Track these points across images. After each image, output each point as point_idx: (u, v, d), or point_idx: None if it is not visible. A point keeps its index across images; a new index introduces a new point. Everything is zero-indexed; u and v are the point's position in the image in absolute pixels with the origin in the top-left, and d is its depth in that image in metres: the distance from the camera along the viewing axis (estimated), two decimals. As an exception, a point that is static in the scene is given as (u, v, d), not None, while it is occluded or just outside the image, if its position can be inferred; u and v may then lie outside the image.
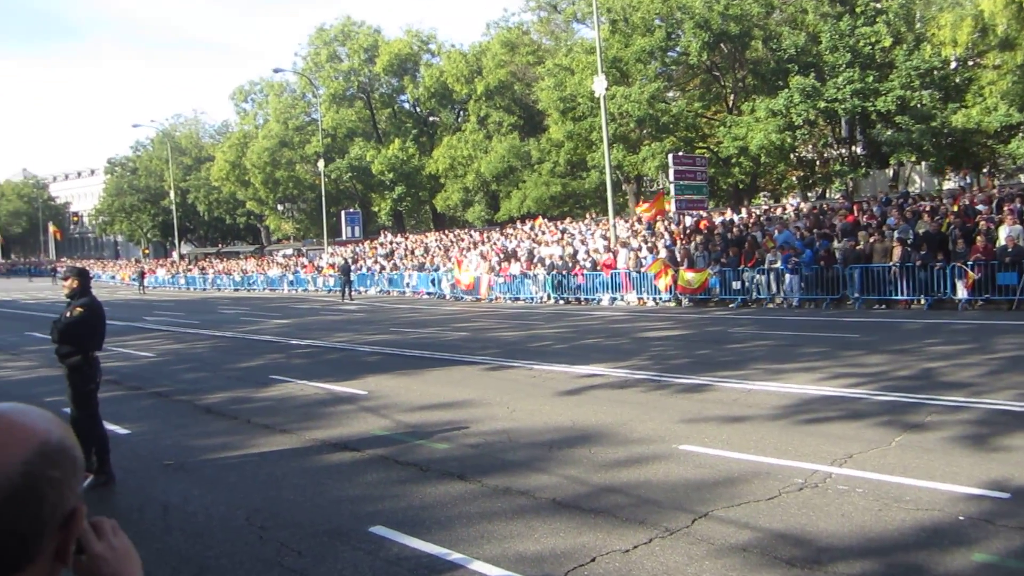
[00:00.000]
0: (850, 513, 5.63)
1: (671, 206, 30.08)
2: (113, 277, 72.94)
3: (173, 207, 70.76)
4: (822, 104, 30.92)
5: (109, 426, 8.23)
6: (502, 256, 32.57)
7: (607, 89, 29.94)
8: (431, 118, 59.63)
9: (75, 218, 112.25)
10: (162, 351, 18.30)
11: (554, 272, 28.43)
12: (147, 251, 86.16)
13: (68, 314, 7.85)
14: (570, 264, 28.32)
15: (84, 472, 1.15)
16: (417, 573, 5.03)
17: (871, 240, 20.99)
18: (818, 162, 37.13)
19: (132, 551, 1.36)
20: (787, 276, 21.87)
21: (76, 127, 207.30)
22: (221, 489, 7.08)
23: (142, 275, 55.59)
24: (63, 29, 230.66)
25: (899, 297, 20.02)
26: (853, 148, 35.14)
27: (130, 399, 11.90)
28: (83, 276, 8.29)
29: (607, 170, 30.60)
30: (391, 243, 48.55)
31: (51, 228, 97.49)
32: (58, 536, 1.08)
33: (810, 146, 36.51)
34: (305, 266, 49.07)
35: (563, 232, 34.82)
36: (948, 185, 34.52)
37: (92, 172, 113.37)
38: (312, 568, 5.20)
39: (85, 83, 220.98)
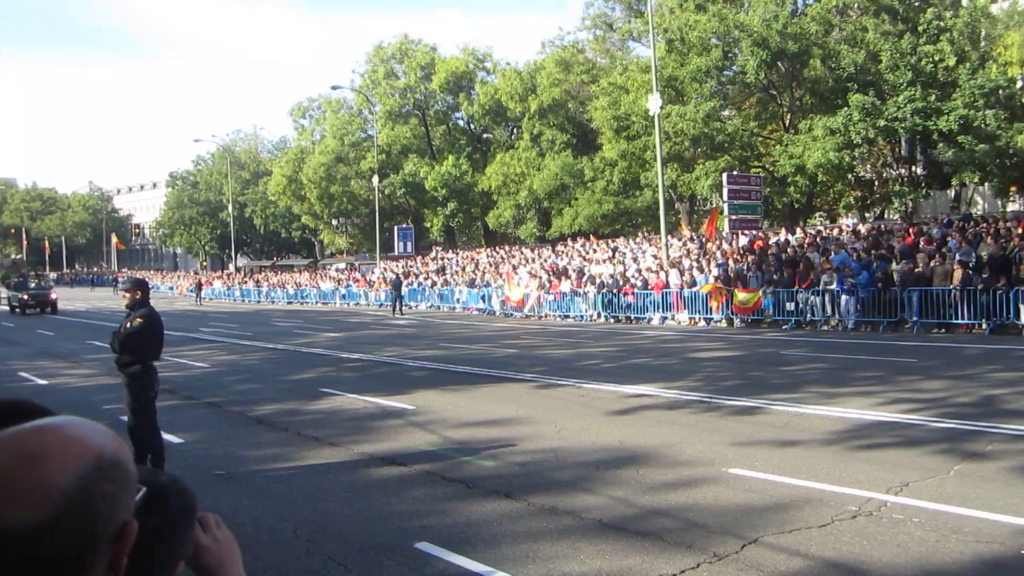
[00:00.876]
0: (906, 544, 5.47)
1: (725, 226, 29.77)
2: (172, 288, 74.63)
3: (231, 220, 72.22)
4: (882, 123, 30.37)
5: (164, 435, 8.39)
6: (552, 273, 32.54)
7: (662, 108, 29.82)
8: (485, 135, 60.01)
9: (137, 230, 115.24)
10: (216, 362, 18.64)
11: (604, 290, 28.30)
12: (205, 263, 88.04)
13: (128, 324, 8.05)
14: (620, 282, 28.17)
15: (138, 486, 1.15)
16: (461, 591, 5.02)
17: (931, 262, 20.49)
18: (877, 182, 36.41)
19: (234, 543, 1.46)
20: (843, 298, 21.45)
21: (140, 142, 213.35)
22: (270, 500, 7.16)
23: (199, 286, 56.81)
24: (130, 49, 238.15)
25: (960, 321, 19.49)
26: (913, 168, 34.41)
27: (184, 408, 12.14)
28: (143, 288, 8.50)
29: (660, 189, 30.41)
30: (442, 259, 48.85)
31: (113, 239, 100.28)
32: (111, 550, 1.08)
33: (868, 165, 35.84)
34: (357, 280, 49.61)
35: (614, 250, 34.66)
36: (1012, 207, 33.56)
37: (154, 185, 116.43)
38: (357, 582, 5.21)
39: (150, 100, 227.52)
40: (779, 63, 34.34)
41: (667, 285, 26.35)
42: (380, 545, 5.88)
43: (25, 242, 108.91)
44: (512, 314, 31.84)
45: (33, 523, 0.99)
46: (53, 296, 44.29)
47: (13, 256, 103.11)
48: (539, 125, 50.96)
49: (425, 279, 42.92)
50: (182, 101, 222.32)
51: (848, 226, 30.66)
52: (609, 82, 40.81)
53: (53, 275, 76.09)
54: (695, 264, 27.05)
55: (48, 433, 1.07)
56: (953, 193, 35.91)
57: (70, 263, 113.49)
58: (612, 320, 27.57)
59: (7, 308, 44.79)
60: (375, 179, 52.20)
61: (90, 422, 1.12)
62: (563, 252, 38.52)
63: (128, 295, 8.33)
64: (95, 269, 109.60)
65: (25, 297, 43.11)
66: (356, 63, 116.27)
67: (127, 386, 8.12)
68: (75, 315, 40.99)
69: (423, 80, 58.49)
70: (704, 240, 30.71)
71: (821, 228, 33.18)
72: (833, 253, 23.35)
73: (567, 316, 29.63)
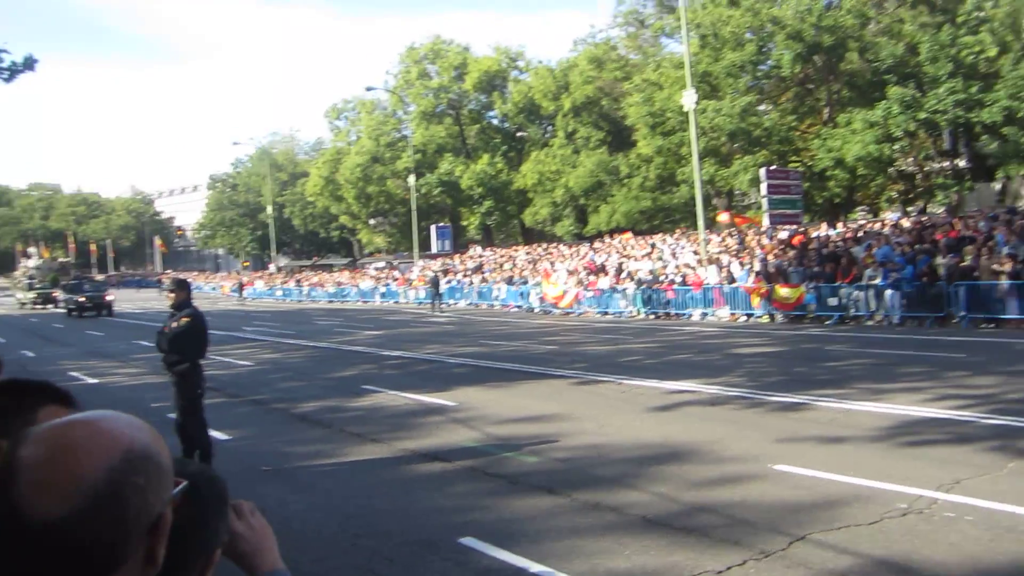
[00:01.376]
0: (958, 542, 5.37)
1: (764, 221, 29.45)
2: (214, 288, 75.70)
3: (270, 221, 73.07)
4: (922, 115, 29.81)
5: (211, 432, 8.52)
6: (590, 270, 32.44)
7: (697, 103, 29.58)
8: (519, 133, 60.00)
9: (179, 232, 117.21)
10: (260, 360, 18.87)
11: (643, 286, 28.14)
12: (246, 263, 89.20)
13: (174, 324, 8.18)
14: (660, 278, 27.99)
15: (176, 479, 1.15)
16: (507, 586, 5.03)
17: (980, 256, 20.06)
18: (919, 175, 35.77)
19: (268, 530, 1.49)
20: (887, 293, 21.09)
21: (180, 146, 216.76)
22: (316, 496, 7.24)
23: (242, 287, 57.48)
24: (170, 56, 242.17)
25: (1009, 316, 19.05)
26: (956, 161, 33.74)
27: (230, 406, 12.31)
28: (187, 288, 8.65)
29: (697, 185, 30.16)
30: (480, 256, 48.95)
31: (157, 242, 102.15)
32: (146, 541, 1.09)
33: (910, 159, 35.21)
34: (396, 279, 49.91)
35: (652, 246, 34.46)
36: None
37: (195, 188, 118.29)
38: (403, 577, 5.25)
39: (189, 104, 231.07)
40: (815, 56, 33.88)
41: (706, 281, 26.13)
42: (424, 540, 5.91)
43: (72, 245, 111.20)
44: (551, 311, 31.81)
45: (64, 515, 1.01)
46: (109, 298, 44.30)
47: (61, 259, 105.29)
48: (573, 122, 50.83)
49: (463, 277, 43.05)
50: (220, 105, 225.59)
51: (891, 220, 30.15)
52: (642, 79, 40.57)
53: (100, 277, 77.78)
54: (734, 259, 26.78)
55: (79, 427, 1.09)
56: (999, 186, 35.14)
57: (115, 265, 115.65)
58: (652, 316, 27.41)
59: (63, 311, 45.25)
60: (411, 178, 52.45)
61: (124, 416, 1.13)
62: (601, 249, 38.39)
63: (172, 295, 8.48)
64: (140, 271, 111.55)
65: (81, 300, 43.01)
66: (389, 64, 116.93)
67: (175, 384, 8.27)
68: (123, 316, 41.75)
69: (456, 80, 58.64)
70: (741, 233, 30.38)
71: (863, 222, 32.67)
72: (876, 247, 22.97)
73: (606, 313, 29.52)
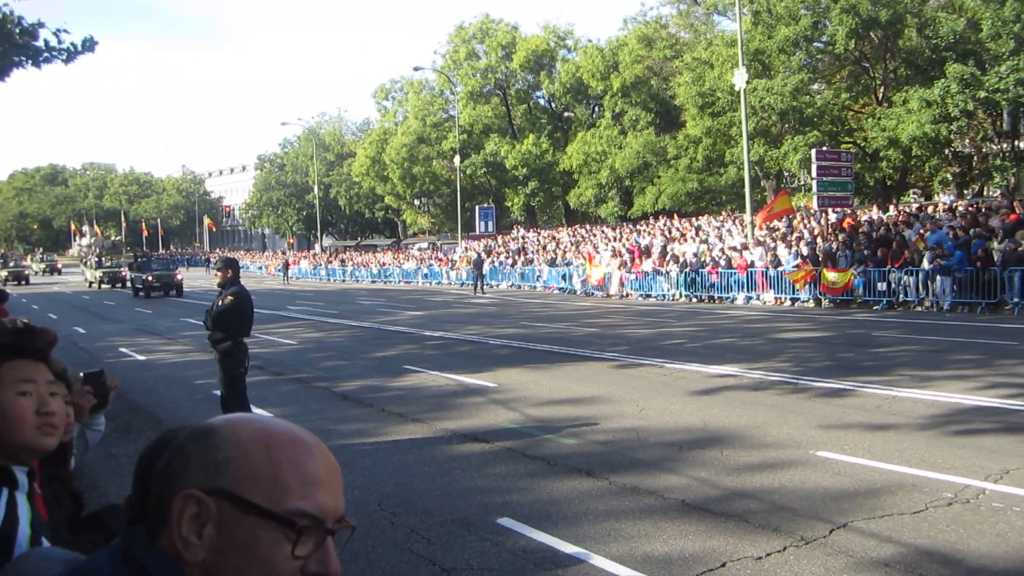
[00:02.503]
0: (1006, 533, 5.24)
1: (814, 203, 28.89)
2: (260, 268, 76.78)
3: (316, 201, 73.78)
4: (982, 94, 28.92)
5: (254, 409, 8.65)
6: (634, 252, 32.22)
7: (748, 82, 29.05)
8: (566, 114, 59.64)
9: (227, 210, 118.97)
10: (303, 339, 19.11)
11: (687, 269, 27.88)
12: (292, 243, 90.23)
13: (220, 302, 8.29)
14: (704, 262, 27.70)
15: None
16: (542, 566, 5.04)
17: (1035, 241, 19.48)
18: (976, 157, 34.76)
19: None
20: (938, 278, 20.61)
21: (230, 126, 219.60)
22: (355, 474, 7.31)
23: (287, 266, 58.21)
24: (219, 36, 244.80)
25: (1066, 303, 18.50)
26: (1016, 142, 32.70)
27: (273, 384, 12.49)
28: (234, 267, 8.74)
29: (746, 166, 29.71)
30: (523, 238, 48.90)
31: (206, 221, 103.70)
32: None
33: (967, 140, 34.22)
34: (439, 259, 50.12)
35: (698, 229, 34.10)
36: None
37: (243, 168, 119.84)
38: (440, 555, 5.29)
39: (239, 86, 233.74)
40: (871, 32, 33.02)
41: (751, 264, 25.79)
42: (462, 520, 5.94)
43: (124, 224, 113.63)
44: (593, 293, 31.70)
45: None
46: (179, 277, 41.28)
47: (113, 237, 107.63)
48: (621, 103, 50.32)
49: (506, 258, 43.07)
50: (270, 86, 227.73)
51: (945, 203, 29.39)
52: (693, 57, 39.95)
53: (163, 254, 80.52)
54: (781, 243, 26.38)
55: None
56: (1060, 168, 34.02)
57: (165, 244, 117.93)
58: (695, 300, 27.17)
59: (130, 290, 43.74)
60: (456, 159, 52.49)
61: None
62: (645, 231, 38.09)
63: (220, 274, 8.58)
64: (188, 250, 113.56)
65: (149, 279, 39.74)
66: (438, 44, 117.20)
67: (219, 362, 8.39)
68: (188, 294, 42.40)
69: (504, 59, 58.37)
70: (788, 218, 29.86)
71: (916, 205, 31.91)
72: (929, 232, 22.43)
73: (648, 296, 29.32)
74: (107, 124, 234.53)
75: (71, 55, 12.41)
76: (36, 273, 77.51)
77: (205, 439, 1.07)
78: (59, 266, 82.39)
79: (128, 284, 46.98)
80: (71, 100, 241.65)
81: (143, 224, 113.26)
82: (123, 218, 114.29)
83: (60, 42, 12.35)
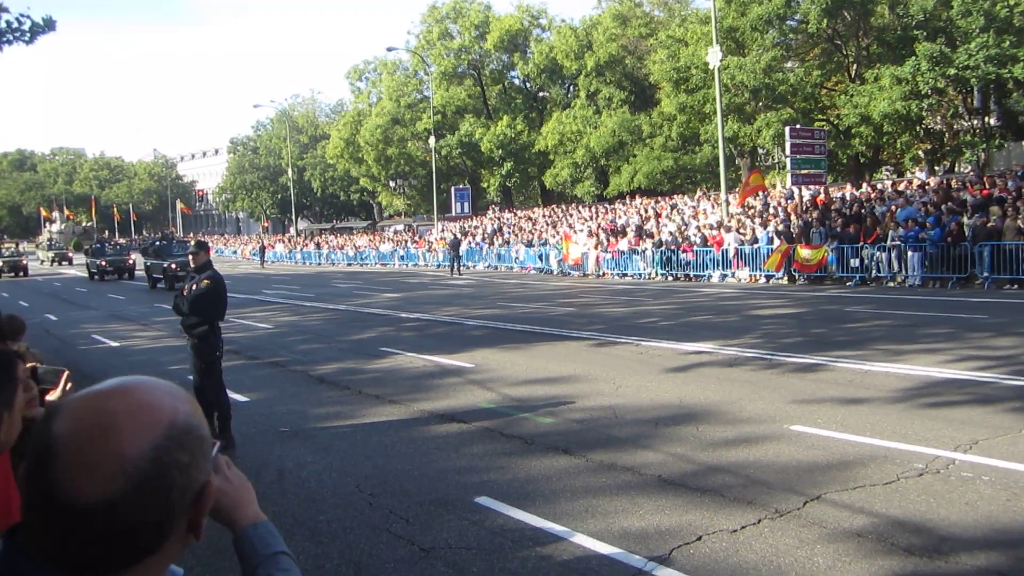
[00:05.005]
0: (975, 502, 5.34)
1: (788, 180, 29.06)
2: (235, 252, 76.15)
3: (291, 184, 73.15)
4: (952, 71, 29.15)
5: (230, 394, 8.59)
6: (610, 232, 32.29)
7: (722, 60, 29.09)
8: (541, 94, 59.47)
9: (200, 194, 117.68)
10: (279, 323, 19.01)
11: (663, 248, 28.00)
12: (267, 226, 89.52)
13: (194, 286, 8.21)
14: (679, 240, 27.82)
15: (212, 441, 1.12)
16: (521, 544, 5.07)
17: (1006, 216, 19.73)
18: (947, 134, 35.09)
19: (246, 482, 1.44)
20: (909, 253, 20.84)
21: (201, 109, 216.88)
22: (333, 456, 7.31)
23: (263, 250, 57.86)
24: (189, 17, 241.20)
25: (1034, 276, 18.78)
26: (987, 119, 33.02)
27: (249, 368, 12.43)
28: (207, 249, 8.68)
29: (720, 143, 29.80)
30: (499, 219, 48.83)
31: (179, 205, 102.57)
32: (191, 512, 1.07)
33: (938, 117, 34.52)
34: (416, 241, 49.97)
35: (673, 207, 34.20)
36: (1093, 157, 32.05)
37: (216, 152, 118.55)
38: (419, 535, 5.31)
39: (210, 67, 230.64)
40: (843, 11, 33.15)
41: (727, 242, 25.93)
42: (440, 499, 5.96)
43: (94, 209, 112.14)
44: (570, 273, 31.77)
45: (107, 498, 0.97)
46: (131, 261, 44.26)
47: (84, 223, 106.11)
48: (596, 82, 50.26)
49: (483, 239, 43.00)
50: (241, 68, 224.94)
51: (918, 179, 29.67)
52: (667, 35, 39.97)
53: (123, 241, 77.93)
54: (754, 221, 26.54)
55: (118, 399, 1.04)
56: (1029, 144, 34.40)
57: (138, 229, 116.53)
58: (671, 278, 27.31)
59: (85, 275, 45.31)
60: (431, 140, 52.22)
61: (161, 383, 1.08)
62: (621, 210, 38.17)
63: (193, 258, 8.49)
64: (160, 235, 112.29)
65: (103, 263, 43.21)
66: (411, 24, 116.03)
67: (193, 347, 8.31)
68: (139, 279, 41.95)
69: (478, 39, 58.04)
70: (766, 192, 30.02)
71: (889, 182, 32.19)
72: (899, 208, 22.66)
73: (625, 275, 29.44)
74: (76, 108, 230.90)
75: (33, 35, 12.21)
76: (42, 263, 68.60)
77: None
78: (70, 255, 69.72)
79: (73, 263, 54.59)
80: (38, 84, 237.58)
81: (115, 209, 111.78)
82: (94, 204, 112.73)
83: (21, 23, 12.16)
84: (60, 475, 0.97)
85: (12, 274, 51.17)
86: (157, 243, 40.50)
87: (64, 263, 65.13)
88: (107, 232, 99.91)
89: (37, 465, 0.99)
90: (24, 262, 53.99)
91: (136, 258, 44.65)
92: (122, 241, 75.30)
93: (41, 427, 1.02)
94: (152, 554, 1.03)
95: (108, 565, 1.00)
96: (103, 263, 43.21)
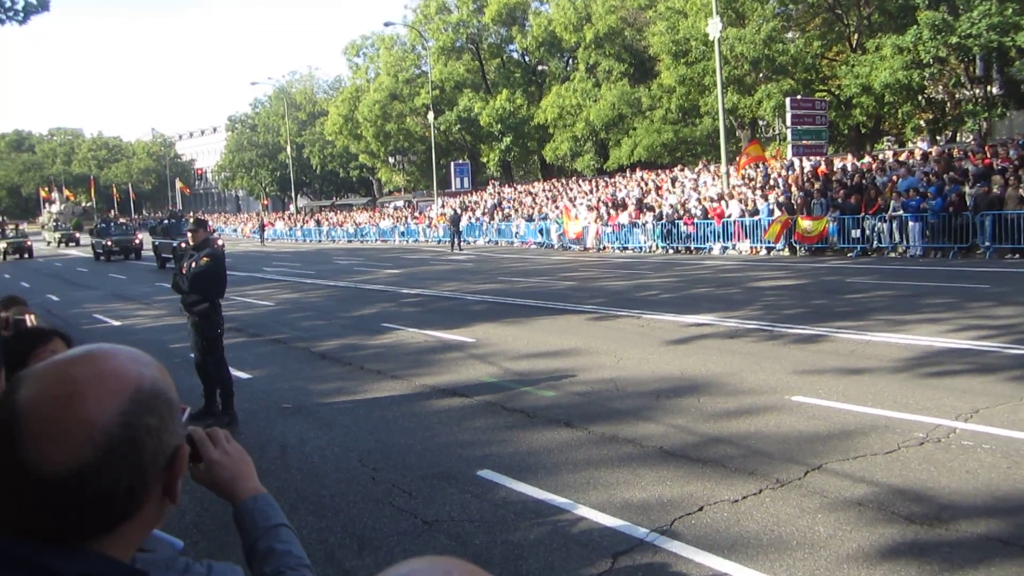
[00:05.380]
0: (975, 470, 5.36)
1: (789, 151, 28.91)
2: (235, 230, 76.02)
3: (290, 162, 72.85)
4: (954, 40, 28.88)
5: (232, 371, 8.60)
6: (610, 205, 32.20)
7: (722, 31, 28.86)
8: (540, 67, 59.06)
9: (199, 172, 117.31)
10: (280, 300, 19.02)
11: (663, 221, 27.93)
12: (266, 204, 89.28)
13: (193, 264, 8.18)
14: (680, 213, 27.75)
15: (182, 406, 1.11)
16: (523, 516, 5.10)
17: (1007, 185, 19.64)
18: (949, 103, 34.86)
19: (245, 455, 1.45)
20: (910, 224, 20.78)
21: (199, 87, 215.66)
22: (336, 432, 7.34)
23: (262, 228, 57.74)
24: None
25: (1036, 245, 18.73)
26: (989, 88, 32.78)
27: (251, 345, 12.45)
28: (206, 227, 8.66)
29: (720, 115, 29.63)
30: (499, 193, 48.69)
31: (178, 184, 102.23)
32: (164, 476, 1.06)
33: (940, 86, 34.27)
34: (416, 217, 49.86)
35: (673, 180, 34.08)
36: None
37: (215, 130, 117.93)
38: (422, 509, 5.33)
39: (207, 45, 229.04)
40: (845, -21, 32.84)
41: (728, 213, 25.86)
42: (443, 473, 5.99)
43: (94, 189, 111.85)
44: (570, 247, 31.73)
45: (77, 465, 0.96)
46: (138, 241, 42.83)
47: (84, 204, 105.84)
48: (595, 55, 49.89)
49: (483, 214, 42.90)
50: (239, 45, 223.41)
51: (919, 149, 29.52)
52: (667, 7, 39.60)
53: (123, 220, 76.89)
54: (756, 193, 26.44)
55: (82, 367, 1.02)
56: (1031, 113, 34.17)
57: (137, 209, 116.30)
58: (671, 251, 27.27)
59: (91, 255, 44.48)
60: (430, 115, 51.93)
61: (126, 349, 1.07)
62: (621, 183, 38.04)
63: (192, 235, 8.45)
64: (159, 214, 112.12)
65: (108, 243, 41.79)
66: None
67: (194, 325, 8.30)
68: (147, 259, 41.93)
69: (475, 13, 57.53)
70: (758, 167, 29.88)
71: (891, 152, 32.03)
72: (901, 178, 22.56)
73: (626, 248, 29.39)
74: (73, 88, 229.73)
75: (26, 14, 12.14)
76: (49, 244, 65.12)
77: None
78: (77, 236, 65.39)
79: (83, 243, 51.23)
80: (35, 64, 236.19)
81: (114, 189, 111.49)
82: (93, 184, 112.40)
83: (14, 3, 12.08)
84: (27, 445, 0.96)
85: (17, 256, 49.11)
86: (165, 222, 40.33)
87: (72, 244, 62.72)
88: (113, 212, 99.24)
89: (3, 436, 0.98)
90: (29, 243, 51.37)
91: (143, 238, 44.02)
92: (126, 221, 74.21)
93: (6, 397, 1.01)
94: (127, 520, 1.02)
95: (83, 533, 1.00)
96: (109, 243, 41.90)
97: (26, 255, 49.47)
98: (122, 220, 71.43)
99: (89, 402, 0.98)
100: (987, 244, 19.47)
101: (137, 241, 42.87)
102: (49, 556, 0.97)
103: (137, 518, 1.04)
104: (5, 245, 49.86)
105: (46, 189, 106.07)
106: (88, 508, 0.99)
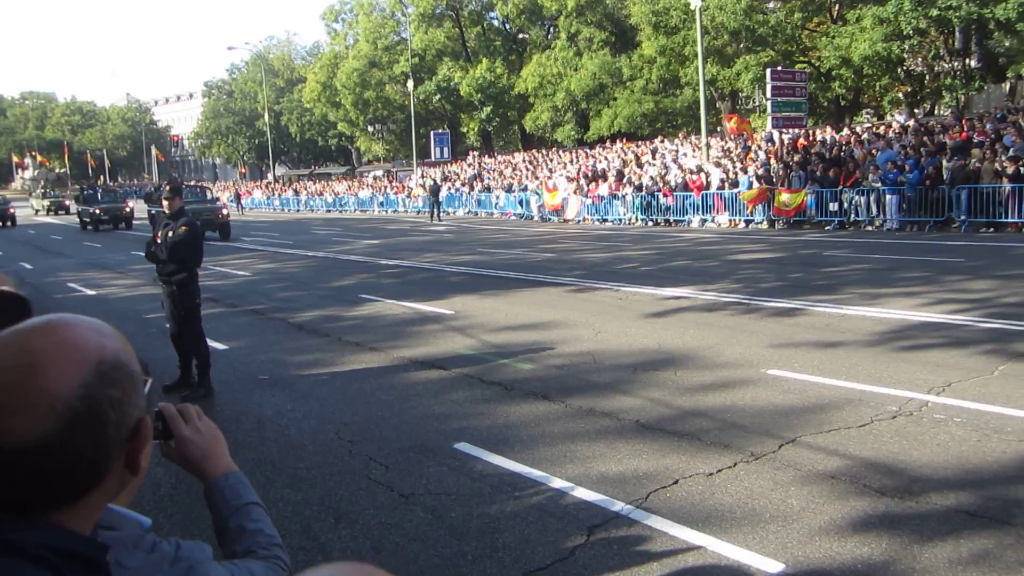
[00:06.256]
0: (946, 443, 5.43)
1: (768, 123, 28.95)
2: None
3: (267, 129, 72.06)
4: (934, 12, 28.92)
5: (209, 342, 8.53)
6: (590, 176, 32.14)
7: (703, 1, 28.72)
8: (520, 36, 58.57)
9: (175, 139, 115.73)
10: (258, 270, 18.88)
11: (643, 193, 27.93)
12: (244, 172, 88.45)
13: (171, 233, 8.05)
14: (660, 184, 27.76)
15: (145, 377, 1.09)
16: (500, 489, 5.11)
17: (984, 159, 19.78)
18: (927, 76, 34.96)
19: (217, 433, 1.43)
20: (887, 197, 20.91)
21: (175, 52, 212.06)
22: (312, 404, 7.32)
23: (239, 196, 57.13)
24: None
25: (1010, 220, 18.93)
26: (967, 61, 32.89)
27: (228, 316, 12.36)
28: (182, 194, 8.51)
29: (701, 85, 29.58)
30: (479, 164, 48.46)
31: (154, 151, 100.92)
32: (126, 448, 1.05)
33: (919, 59, 34.34)
34: (395, 187, 49.57)
35: (653, 152, 34.05)
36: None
37: (191, 96, 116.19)
38: (398, 481, 5.34)
39: (183, 8, 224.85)
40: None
41: (707, 186, 25.89)
42: (420, 446, 5.99)
43: (67, 156, 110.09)
44: (550, 218, 31.69)
45: (38, 437, 0.95)
46: (128, 209, 39.21)
47: (57, 169, 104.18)
48: (576, 23, 49.55)
49: (463, 185, 42.70)
50: (215, 8, 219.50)
51: (897, 122, 29.63)
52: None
53: (112, 186, 74.53)
54: (735, 165, 26.48)
55: (41, 338, 1.00)
56: (1008, 87, 34.38)
57: (112, 176, 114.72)
58: (651, 223, 27.30)
59: (76, 224, 41.73)
60: (410, 83, 51.46)
61: (86, 319, 1.05)
62: (601, 155, 37.96)
63: (168, 203, 8.29)
64: (136, 181, 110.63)
65: (97, 212, 37.86)
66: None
67: (170, 295, 8.19)
68: (139, 228, 41.13)
69: (456, -23, 56.94)
70: (742, 137, 29.93)
71: (868, 125, 32.14)
72: (879, 151, 22.65)
73: (605, 220, 29.40)
74: (45, 51, 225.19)
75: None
76: (36, 212, 62.60)
77: None
78: (67, 203, 60.44)
79: (72, 212, 47.59)
80: (5, 26, 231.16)
81: (88, 155, 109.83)
82: (67, 149, 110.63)
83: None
84: None
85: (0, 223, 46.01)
86: (85, 192, 39.20)
87: (61, 212, 59.27)
88: (101, 178, 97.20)
89: None
90: (12, 211, 47.77)
91: (133, 206, 41.59)
92: (115, 186, 71.84)
93: None
94: (89, 492, 1.02)
95: (44, 505, 0.99)
96: (97, 211, 37.95)
97: (9, 223, 46.45)
98: (111, 185, 69.53)
99: (49, 374, 0.97)
100: (962, 218, 19.64)
101: (128, 209, 39.46)
102: (8, 528, 0.96)
103: (99, 490, 1.03)
104: None
105: (18, 155, 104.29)
106: (50, 481, 0.98)
